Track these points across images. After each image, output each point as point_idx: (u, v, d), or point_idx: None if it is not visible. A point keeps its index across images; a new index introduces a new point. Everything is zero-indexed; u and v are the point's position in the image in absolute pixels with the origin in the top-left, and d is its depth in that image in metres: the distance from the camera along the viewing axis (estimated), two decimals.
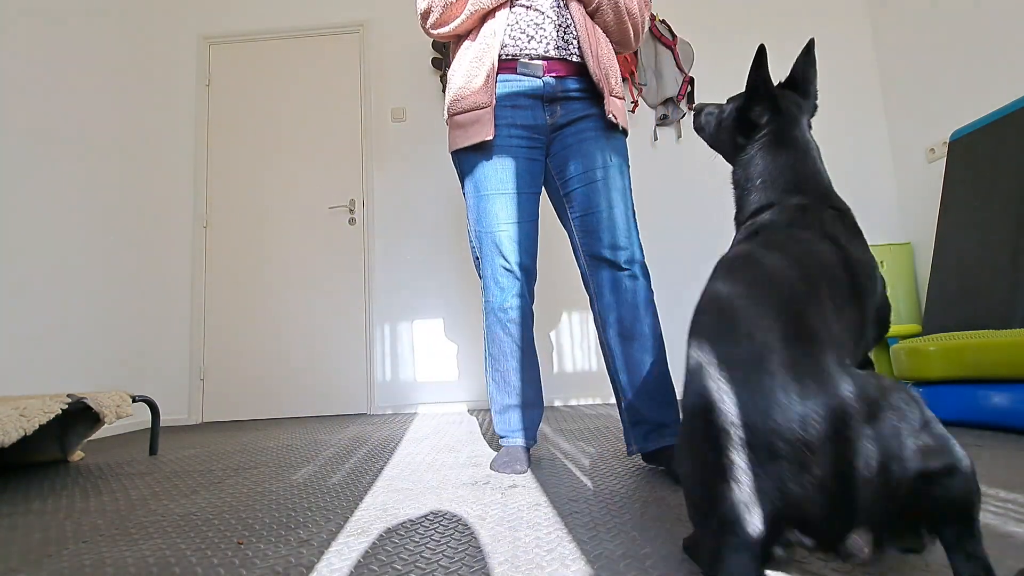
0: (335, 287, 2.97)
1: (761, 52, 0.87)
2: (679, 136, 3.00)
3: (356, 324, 2.94)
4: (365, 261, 2.98)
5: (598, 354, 2.89)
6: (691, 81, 2.96)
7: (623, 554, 0.77)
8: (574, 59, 1.33)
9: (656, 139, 3.01)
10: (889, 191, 2.94)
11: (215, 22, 3.16)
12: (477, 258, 1.40)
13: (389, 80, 3.10)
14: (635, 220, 1.36)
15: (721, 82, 3.03)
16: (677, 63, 2.97)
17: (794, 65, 0.95)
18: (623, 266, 1.29)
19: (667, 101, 2.97)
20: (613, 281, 1.30)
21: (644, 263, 1.33)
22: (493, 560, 0.77)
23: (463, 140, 1.34)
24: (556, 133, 1.37)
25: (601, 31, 1.36)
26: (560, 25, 1.32)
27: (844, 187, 3.26)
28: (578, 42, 1.32)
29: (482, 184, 1.35)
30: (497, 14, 1.31)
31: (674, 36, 3.00)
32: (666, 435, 1.23)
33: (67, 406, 1.51)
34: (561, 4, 1.33)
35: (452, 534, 0.89)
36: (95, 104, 2.63)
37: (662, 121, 2.99)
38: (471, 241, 1.40)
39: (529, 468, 1.33)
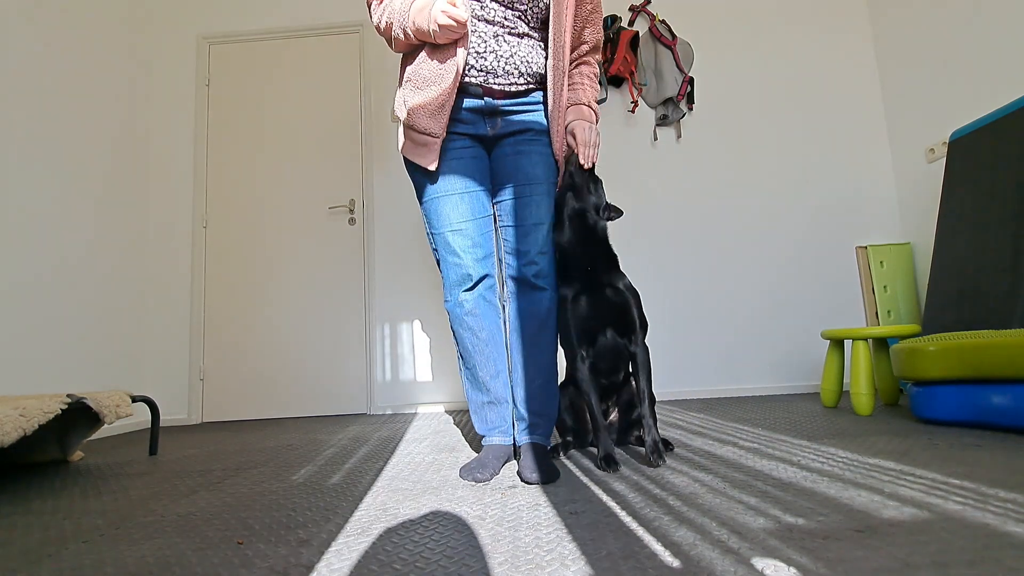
0: (335, 287, 2.97)
1: None
2: (679, 136, 3.00)
3: (356, 324, 2.94)
4: (365, 261, 2.98)
5: None
6: (691, 81, 2.96)
7: (623, 554, 0.77)
8: (512, 89, 1.37)
9: (656, 139, 3.00)
10: (889, 191, 2.94)
11: (214, 22, 3.16)
12: (438, 261, 1.43)
13: (389, 80, 3.10)
14: (553, 240, 1.44)
15: (721, 82, 3.03)
16: (677, 63, 2.97)
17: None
18: (532, 281, 1.38)
19: (667, 101, 2.97)
20: (524, 292, 1.41)
21: (553, 278, 1.42)
22: (493, 560, 0.77)
23: (412, 155, 1.38)
24: (497, 141, 1.43)
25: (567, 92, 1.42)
26: (503, 56, 1.34)
27: (844, 187, 3.26)
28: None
29: (432, 188, 1.38)
30: (458, 50, 1.28)
31: (674, 36, 3.00)
32: (536, 433, 1.38)
33: (67, 406, 1.51)
34: (511, 35, 1.34)
35: (452, 534, 0.89)
36: (95, 104, 2.62)
37: (662, 121, 2.98)
38: (430, 244, 1.44)
39: (495, 474, 1.29)
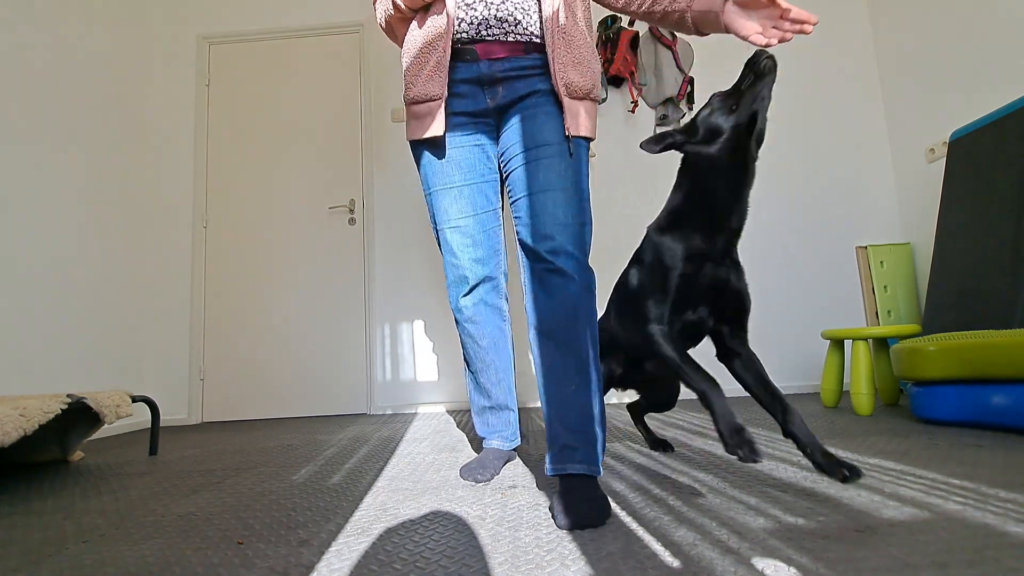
0: (335, 287, 2.97)
1: None
2: None
3: (356, 324, 2.94)
4: (365, 261, 2.98)
5: None
6: (691, 81, 2.96)
7: (623, 554, 0.77)
8: (511, 39, 1.19)
9: None
10: (889, 191, 2.94)
11: (214, 22, 3.16)
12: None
13: (389, 80, 3.10)
14: (579, 211, 1.14)
15: (721, 82, 3.03)
16: (677, 63, 2.96)
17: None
18: (547, 258, 1.10)
19: (667, 101, 2.97)
20: (538, 275, 1.13)
21: (579, 258, 1.11)
22: (493, 560, 0.77)
23: (415, 131, 1.27)
24: (502, 114, 1.24)
25: (572, 33, 1.20)
26: (493, 3, 1.18)
27: (844, 187, 3.26)
28: (542, 41, 1.19)
29: (430, 179, 1.29)
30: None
31: (674, 36, 3.00)
32: (571, 460, 1.02)
33: (67, 406, 1.51)
34: None
35: (452, 534, 0.89)
36: (95, 104, 2.62)
37: (662, 121, 2.98)
38: (436, 238, 1.36)
39: (495, 475, 1.28)
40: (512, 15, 1.18)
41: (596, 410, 1.05)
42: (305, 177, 3.04)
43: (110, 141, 2.71)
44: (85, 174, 2.53)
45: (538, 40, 1.19)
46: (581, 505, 0.92)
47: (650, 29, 3.02)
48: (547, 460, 1.05)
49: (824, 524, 0.84)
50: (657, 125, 3.00)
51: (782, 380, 2.81)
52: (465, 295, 1.31)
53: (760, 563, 0.71)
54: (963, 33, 2.47)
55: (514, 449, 1.43)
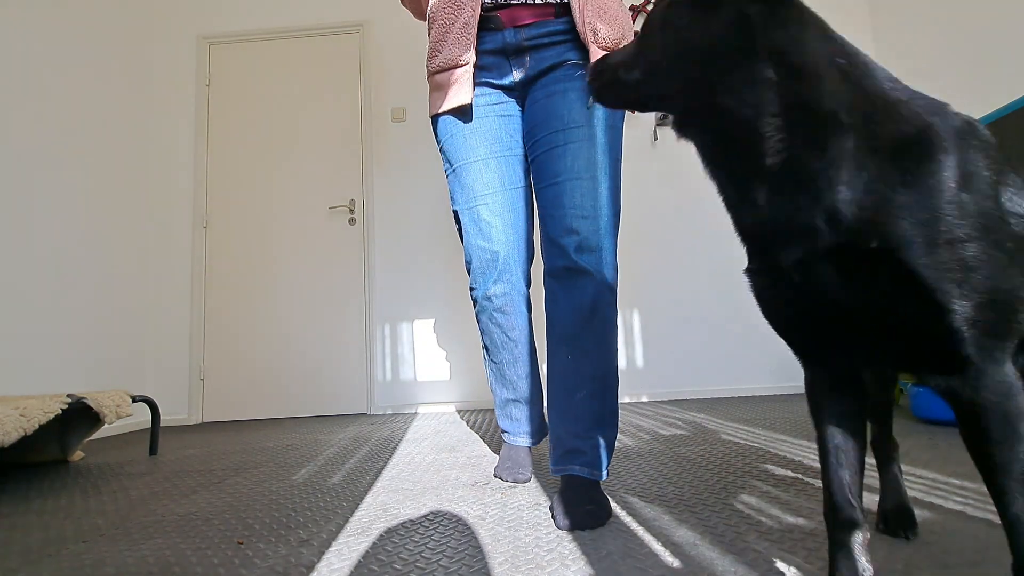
0: (335, 287, 2.97)
1: None
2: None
3: (356, 324, 2.94)
4: (365, 261, 2.98)
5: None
6: None
7: (623, 554, 0.77)
8: (539, 0, 1.10)
9: (656, 139, 3.01)
10: None
11: (215, 22, 3.16)
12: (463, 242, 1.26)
13: (389, 80, 3.10)
14: (609, 200, 1.07)
15: None
16: None
17: None
18: (569, 255, 1.04)
19: None
20: (558, 274, 1.07)
21: (604, 253, 1.05)
22: (493, 560, 0.77)
23: (439, 103, 1.19)
24: (528, 87, 1.16)
25: None
26: None
27: None
28: None
29: (453, 154, 1.20)
30: None
31: None
32: (575, 462, 1.01)
33: (67, 406, 1.51)
34: None
35: (452, 534, 0.89)
36: (95, 104, 2.62)
37: (662, 121, 2.98)
38: (455, 224, 1.25)
39: (532, 473, 1.27)
40: None
41: (606, 413, 1.04)
42: (305, 177, 3.04)
43: (110, 141, 2.71)
44: (85, 174, 2.53)
45: (567, 1, 1.10)
46: (581, 506, 0.92)
47: None
48: (551, 460, 1.06)
49: (824, 524, 0.83)
50: (657, 125, 3.00)
51: (778, 381, 2.81)
52: (495, 282, 1.18)
53: (760, 563, 0.71)
54: (963, 33, 2.48)
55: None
